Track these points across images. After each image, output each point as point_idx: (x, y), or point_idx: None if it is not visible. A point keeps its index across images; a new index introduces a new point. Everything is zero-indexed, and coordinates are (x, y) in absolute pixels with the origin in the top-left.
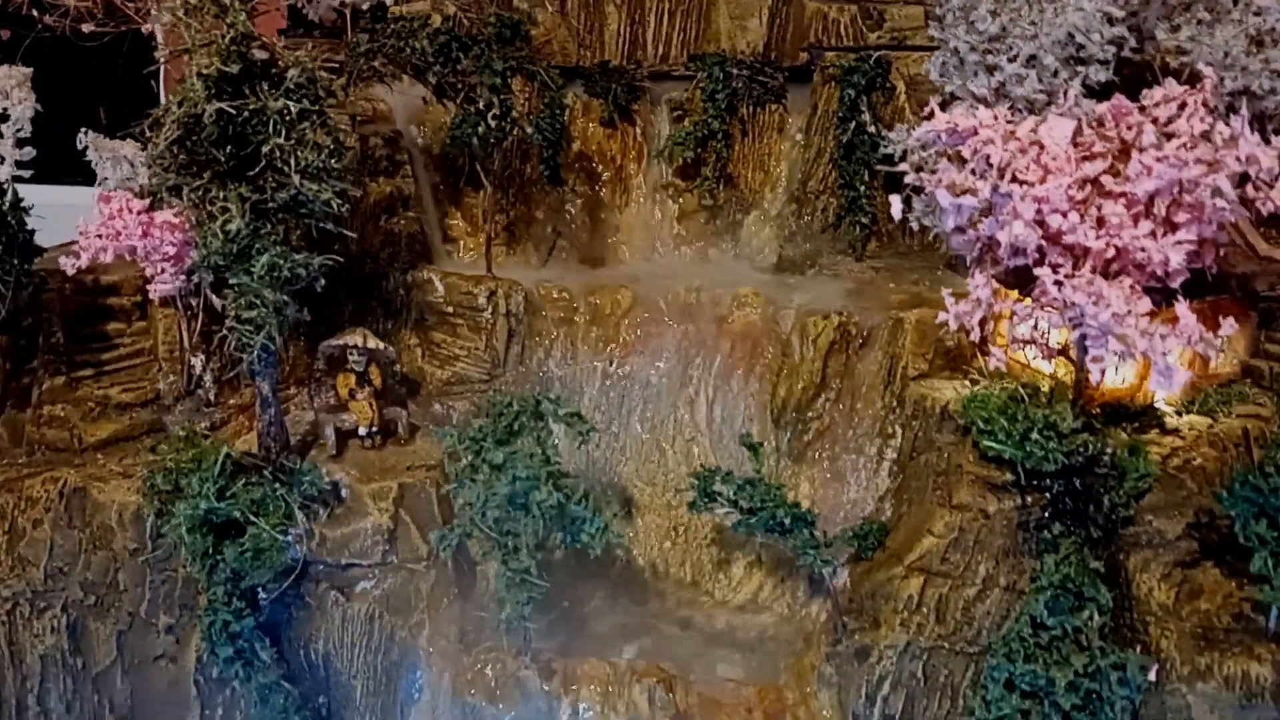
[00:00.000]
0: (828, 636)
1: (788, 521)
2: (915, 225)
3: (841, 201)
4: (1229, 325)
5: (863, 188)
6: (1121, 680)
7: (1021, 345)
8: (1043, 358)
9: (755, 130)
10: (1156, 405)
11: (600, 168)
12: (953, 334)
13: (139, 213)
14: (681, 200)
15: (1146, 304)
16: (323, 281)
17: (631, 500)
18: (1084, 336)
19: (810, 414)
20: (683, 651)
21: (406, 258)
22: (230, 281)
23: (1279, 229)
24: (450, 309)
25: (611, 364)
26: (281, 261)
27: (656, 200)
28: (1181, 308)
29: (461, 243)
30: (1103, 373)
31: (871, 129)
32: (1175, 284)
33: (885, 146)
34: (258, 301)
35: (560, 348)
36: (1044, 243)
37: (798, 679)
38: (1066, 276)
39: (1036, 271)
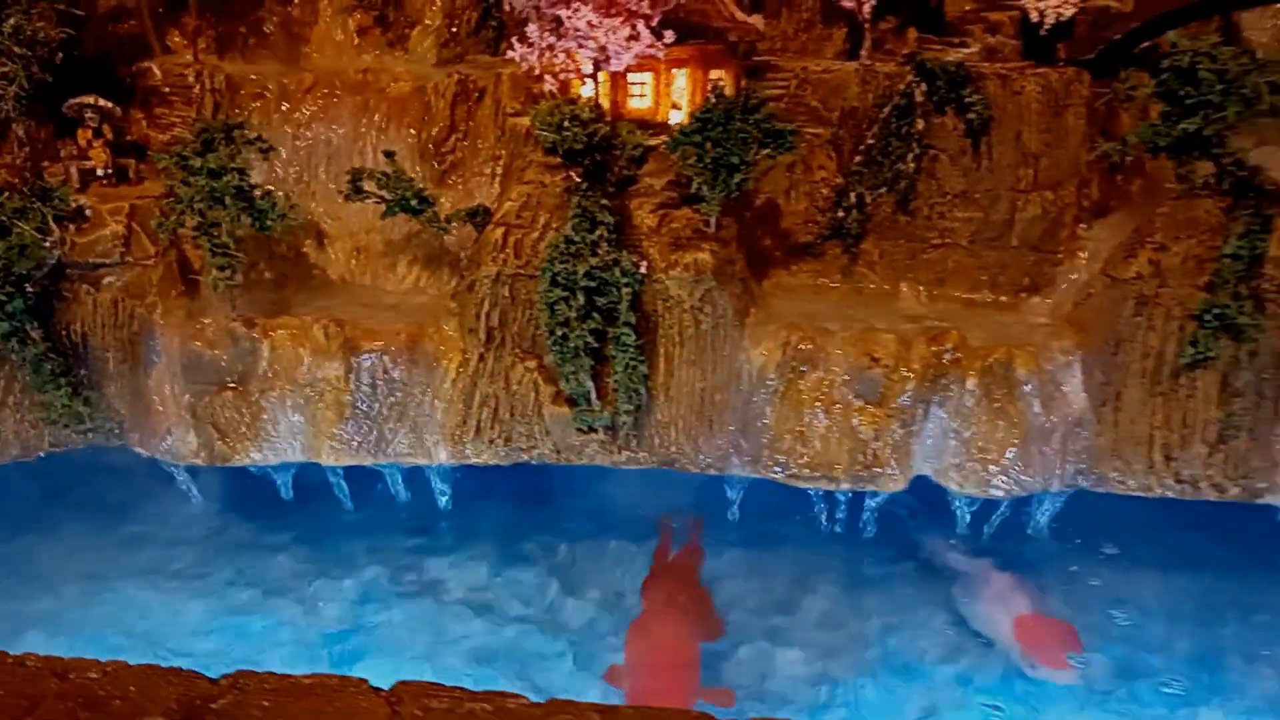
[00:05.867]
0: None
1: (416, 203)
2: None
3: (480, 12)
4: (670, 35)
5: None
6: (623, 271)
7: (565, 73)
8: (577, 78)
9: None
10: (670, 122)
11: None
12: (535, 82)
13: None
14: (358, 16)
15: (626, 30)
16: (61, 54)
17: (323, 232)
18: (581, 48)
19: (445, 149)
20: (360, 317)
21: (133, 54)
22: None
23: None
24: (167, 89)
25: (300, 128)
26: (25, 24)
27: (340, 21)
28: (640, 25)
29: (178, 55)
30: (629, 97)
31: None
32: (654, 23)
33: None
34: (8, 60)
35: (257, 117)
36: None
37: (434, 318)
38: (576, 13)
39: (560, 13)
